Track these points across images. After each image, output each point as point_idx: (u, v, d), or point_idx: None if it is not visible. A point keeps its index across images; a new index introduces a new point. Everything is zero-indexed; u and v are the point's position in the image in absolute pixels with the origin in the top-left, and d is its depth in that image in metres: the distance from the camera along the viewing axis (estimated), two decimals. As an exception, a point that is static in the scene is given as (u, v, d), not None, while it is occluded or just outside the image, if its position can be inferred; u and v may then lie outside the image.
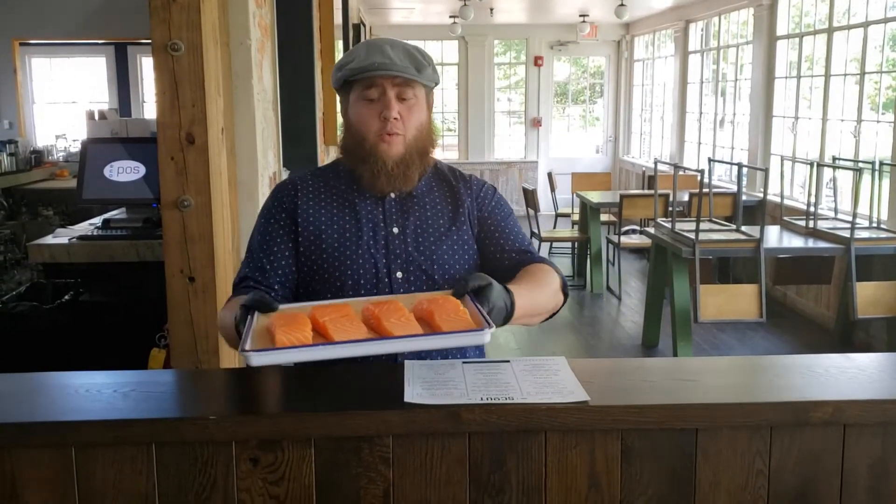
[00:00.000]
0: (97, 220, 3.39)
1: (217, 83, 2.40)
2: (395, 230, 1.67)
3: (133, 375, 1.44)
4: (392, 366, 1.44)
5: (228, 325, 1.50)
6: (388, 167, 1.62)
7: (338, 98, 1.73)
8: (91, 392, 1.34)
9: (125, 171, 3.29)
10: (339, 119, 1.83)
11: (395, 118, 1.60)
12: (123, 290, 3.23)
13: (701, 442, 1.31)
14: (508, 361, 1.45)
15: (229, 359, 2.48)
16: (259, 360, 1.20)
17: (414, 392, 1.29)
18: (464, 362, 1.45)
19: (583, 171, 10.25)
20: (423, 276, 1.65)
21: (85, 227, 3.35)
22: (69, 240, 3.11)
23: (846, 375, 1.41)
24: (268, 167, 2.90)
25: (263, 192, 2.81)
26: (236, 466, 1.26)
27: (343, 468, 1.27)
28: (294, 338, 1.22)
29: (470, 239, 1.71)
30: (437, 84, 1.69)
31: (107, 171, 3.29)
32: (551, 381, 1.34)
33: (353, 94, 1.64)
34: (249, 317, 1.34)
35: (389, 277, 1.64)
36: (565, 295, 1.68)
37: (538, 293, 1.57)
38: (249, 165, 2.71)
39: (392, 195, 1.68)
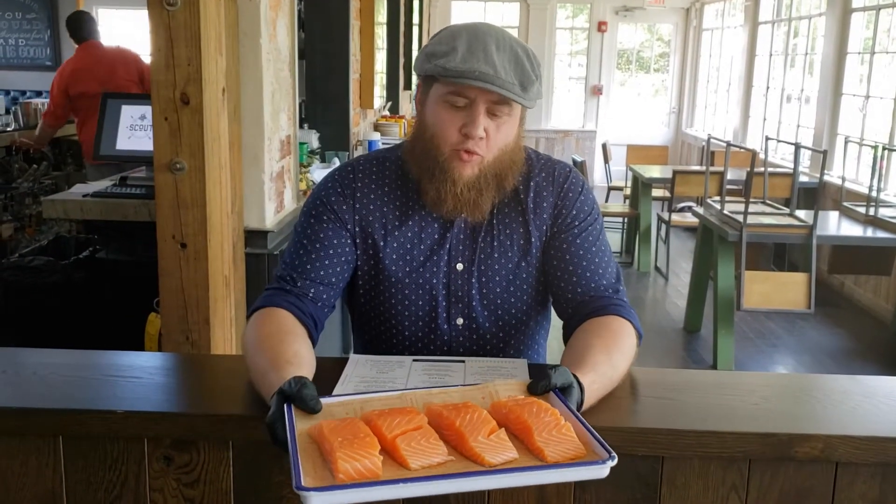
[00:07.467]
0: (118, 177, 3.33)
1: (218, 41, 2.28)
2: (460, 266, 1.43)
3: (57, 356, 1.34)
4: (337, 360, 1.31)
5: (254, 368, 1.20)
6: (458, 189, 1.35)
7: (414, 81, 1.45)
8: (8, 373, 1.25)
9: (142, 128, 3.22)
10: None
11: (480, 137, 1.32)
12: (139, 249, 3.18)
13: (667, 471, 1.15)
14: (463, 362, 1.32)
15: (221, 327, 2.40)
16: (321, 500, 0.89)
17: (343, 391, 1.16)
18: (414, 360, 1.32)
19: (644, 143, 9.89)
20: (487, 323, 1.44)
21: (104, 184, 3.30)
22: (83, 196, 3.06)
23: (848, 403, 1.24)
24: (278, 130, 2.78)
25: (270, 157, 2.70)
26: (148, 465, 1.16)
27: (264, 474, 1.16)
28: (362, 467, 0.93)
29: (539, 269, 1.45)
30: (539, 99, 1.37)
31: (124, 127, 3.23)
32: (504, 389, 1.20)
33: (435, 89, 1.34)
34: (289, 424, 0.99)
35: (449, 324, 1.43)
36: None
37: (614, 371, 1.24)
38: (255, 128, 2.59)
39: (463, 216, 1.41)
